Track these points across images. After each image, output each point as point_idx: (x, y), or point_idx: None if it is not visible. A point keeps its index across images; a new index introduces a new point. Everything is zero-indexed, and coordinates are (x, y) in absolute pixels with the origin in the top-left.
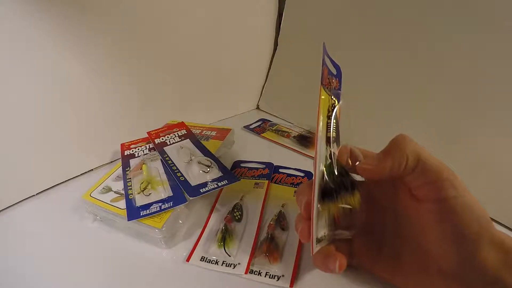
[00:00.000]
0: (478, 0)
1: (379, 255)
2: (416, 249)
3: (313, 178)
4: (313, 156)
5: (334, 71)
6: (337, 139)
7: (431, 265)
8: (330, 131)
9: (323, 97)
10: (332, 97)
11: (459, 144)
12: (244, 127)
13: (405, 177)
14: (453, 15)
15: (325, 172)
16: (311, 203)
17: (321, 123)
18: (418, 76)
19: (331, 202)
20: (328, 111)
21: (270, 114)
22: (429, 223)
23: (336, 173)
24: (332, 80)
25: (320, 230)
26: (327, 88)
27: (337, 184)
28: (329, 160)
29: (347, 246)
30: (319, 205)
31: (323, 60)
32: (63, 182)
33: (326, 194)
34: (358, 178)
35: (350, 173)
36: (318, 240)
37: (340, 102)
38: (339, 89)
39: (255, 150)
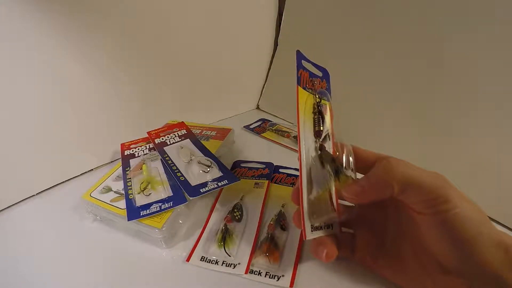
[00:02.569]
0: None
1: (381, 252)
2: (416, 248)
3: (299, 168)
4: None
5: (319, 73)
6: (327, 133)
7: (432, 263)
8: (318, 126)
9: (302, 96)
10: (317, 95)
11: (459, 145)
12: (244, 127)
13: (397, 197)
14: (453, 14)
15: (314, 162)
16: (298, 189)
17: (301, 119)
18: (420, 75)
19: (320, 189)
20: (314, 108)
21: (270, 114)
22: (427, 228)
23: (324, 163)
24: (315, 81)
25: (317, 218)
26: (309, 88)
27: (325, 172)
28: (319, 152)
29: (349, 241)
30: (310, 195)
31: (299, 65)
32: (63, 182)
33: (316, 182)
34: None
35: (336, 162)
36: (316, 228)
37: (330, 100)
38: (328, 89)
39: (255, 150)
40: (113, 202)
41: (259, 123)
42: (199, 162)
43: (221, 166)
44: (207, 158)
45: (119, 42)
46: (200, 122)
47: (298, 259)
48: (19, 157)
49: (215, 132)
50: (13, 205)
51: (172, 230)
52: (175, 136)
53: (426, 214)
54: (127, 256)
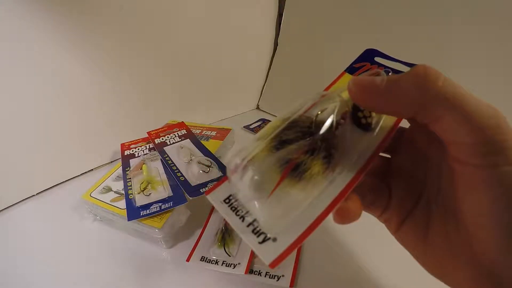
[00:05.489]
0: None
1: (409, 216)
2: (449, 221)
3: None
4: None
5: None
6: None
7: (463, 246)
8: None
9: (344, 80)
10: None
11: None
12: (244, 127)
13: (428, 124)
14: (453, 14)
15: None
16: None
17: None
18: None
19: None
20: None
21: (270, 114)
22: (468, 190)
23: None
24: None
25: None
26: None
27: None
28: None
29: (384, 196)
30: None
31: (364, 59)
32: (63, 182)
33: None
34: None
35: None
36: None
37: None
38: None
39: None
40: (113, 202)
41: (259, 123)
42: (199, 162)
43: (221, 166)
44: (207, 158)
45: (120, 42)
46: (200, 122)
47: (298, 259)
48: (19, 157)
49: (215, 132)
50: (13, 205)
51: (172, 230)
52: (175, 136)
53: (470, 165)
54: (127, 256)
